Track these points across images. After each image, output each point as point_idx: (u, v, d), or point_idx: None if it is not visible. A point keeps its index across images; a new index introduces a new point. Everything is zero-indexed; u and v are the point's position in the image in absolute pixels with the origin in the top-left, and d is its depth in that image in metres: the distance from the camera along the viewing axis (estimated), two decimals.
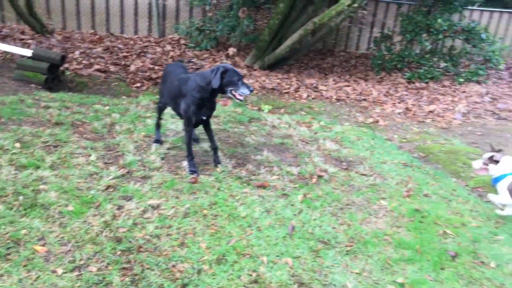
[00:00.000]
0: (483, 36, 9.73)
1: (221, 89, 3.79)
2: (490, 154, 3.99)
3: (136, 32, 10.84)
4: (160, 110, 4.47)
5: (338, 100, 7.59)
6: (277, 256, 2.93)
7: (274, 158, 4.46)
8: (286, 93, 7.63)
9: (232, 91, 3.76)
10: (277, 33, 9.11)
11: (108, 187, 3.47)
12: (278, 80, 8.28)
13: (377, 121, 6.66)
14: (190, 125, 3.94)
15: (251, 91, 3.77)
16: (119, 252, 2.75)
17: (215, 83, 3.71)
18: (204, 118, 3.98)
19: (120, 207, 3.22)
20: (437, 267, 3.04)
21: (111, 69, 7.05)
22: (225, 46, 10.08)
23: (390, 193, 4.05)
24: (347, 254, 3.07)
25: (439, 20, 9.49)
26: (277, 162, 4.39)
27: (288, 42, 8.71)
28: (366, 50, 11.96)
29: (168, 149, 4.33)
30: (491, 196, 4.05)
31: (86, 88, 6.40)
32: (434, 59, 10.11)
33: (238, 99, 3.76)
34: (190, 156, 3.93)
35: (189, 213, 3.25)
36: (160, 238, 2.95)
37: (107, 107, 5.29)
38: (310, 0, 9.25)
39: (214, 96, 3.94)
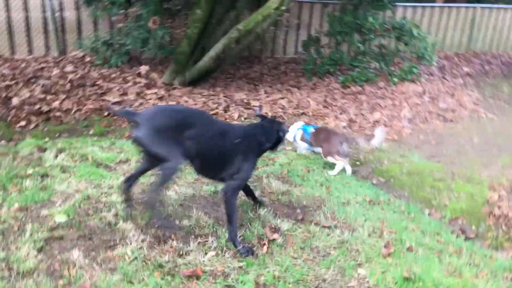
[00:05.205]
0: (415, 32, 9.27)
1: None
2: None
3: (31, 52, 9.10)
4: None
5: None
6: None
7: (207, 219, 3.30)
8: (215, 114, 6.48)
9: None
10: (198, 43, 7.94)
11: None
12: (203, 99, 7.10)
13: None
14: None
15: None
16: None
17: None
18: None
19: None
20: None
21: None
22: (139, 62, 8.73)
23: (366, 254, 3.06)
24: None
25: (370, 19, 8.86)
26: (212, 225, 3.23)
27: (211, 53, 7.58)
28: (294, 55, 11.14)
29: (52, 229, 3.00)
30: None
31: None
32: (365, 59, 9.49)
33: None
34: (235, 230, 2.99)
35: None
36: None
37: None
38: (231, 5, 8.19)
39: None
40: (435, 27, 12.26)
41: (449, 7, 12.40)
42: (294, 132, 5.14)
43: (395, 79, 9.21)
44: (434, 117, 7.30)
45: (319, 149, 4.86)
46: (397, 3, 10.85)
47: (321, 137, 4.83)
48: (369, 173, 4.80)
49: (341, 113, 7.09)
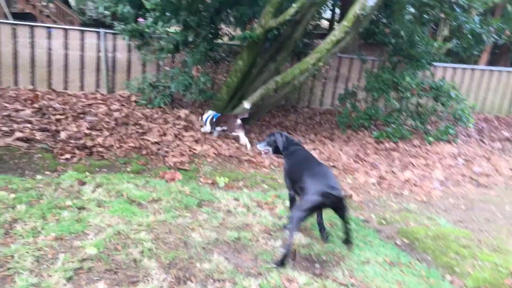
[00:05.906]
0: (452, 94, 9.32)
1: None
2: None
3: (82, 88, 9.82)
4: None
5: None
6: None
7: (227, 265, 3.42)
8: (246, 160, 6.70)
9: None
10: (237, 91, 8.34)
11: None
12: (236, 144, 7.37)
13: (350, 196, 5.78)
14: None
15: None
16: None
17: None
18: None
19: None
20: None
21: (36, 137, 5.91)
22: (181, 104, 9.20)
23: None
24: None
25: (407, 78, 9.01)
26: (231, 271, 3.35)
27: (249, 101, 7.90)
28: (330, 106, 11.38)
29: (82, 260, 3.21)
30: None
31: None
32: (401, 116, 9.55)
33: None
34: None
35: None
36: None
37: (13, 195, 4.12)
38: (272, 57, 8.59)
39: None
40: (476, 88, 12.23)
41: (490, 70, 12.39)
42: (206, 117, 7.51)
43: (431, 139, 9.20)
44: (467, 180, 7.20)
45: (222, 128, 7.41)
46: (437, 64, 10.98)
47: (222, 120, 7.32)
48: (393, 233, 4.78)
49: (371, 169, 7.13)
